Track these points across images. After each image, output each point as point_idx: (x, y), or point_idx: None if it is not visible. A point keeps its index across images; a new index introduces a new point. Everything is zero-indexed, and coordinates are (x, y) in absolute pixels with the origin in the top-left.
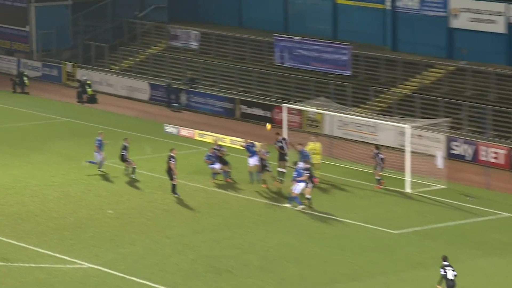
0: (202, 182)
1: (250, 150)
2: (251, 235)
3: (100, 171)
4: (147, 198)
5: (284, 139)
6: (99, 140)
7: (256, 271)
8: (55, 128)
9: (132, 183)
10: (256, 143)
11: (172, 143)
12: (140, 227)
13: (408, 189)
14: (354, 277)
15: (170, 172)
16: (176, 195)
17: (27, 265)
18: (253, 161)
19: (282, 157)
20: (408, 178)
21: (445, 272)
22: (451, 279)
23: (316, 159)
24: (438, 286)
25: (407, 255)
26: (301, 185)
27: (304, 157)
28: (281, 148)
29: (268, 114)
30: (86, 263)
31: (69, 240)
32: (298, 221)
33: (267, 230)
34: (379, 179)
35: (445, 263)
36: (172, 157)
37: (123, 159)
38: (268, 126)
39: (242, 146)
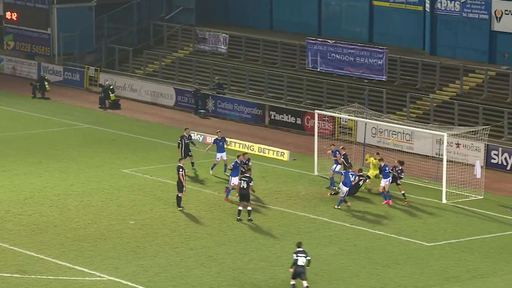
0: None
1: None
2: (279, 247)
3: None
4: (171, 209)
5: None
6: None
7: (283, 285)
8: (76, 135)
9: (155, 193)
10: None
11: (198, 151)
12: (162, 239)
13: (444, 200)
14: None
15: (180, 183)
16: (180, 208)
17: (45, 277)
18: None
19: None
20: (444, 188)
21: (297, 258)
22: (301, 265)
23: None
24: (290, 270)
25: (441, 268)
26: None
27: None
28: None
29: (298, 121)
30: (106, 276)
31: (89, 252)
32: (327, 232)
33: (295, 242)
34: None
35: (299, 249)
36: (181, 167)
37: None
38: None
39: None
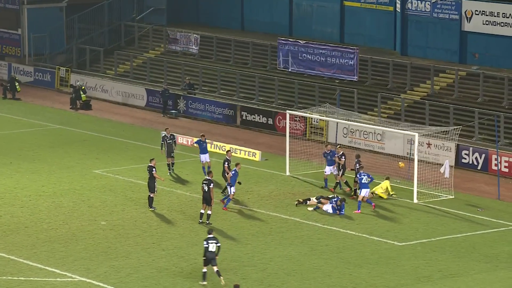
0: (200, 192)
1: (326, 157)
2: (250, 248)
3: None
4: (142, 209)
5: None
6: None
7: (255, 285)
8: (47, 136)
9: (127, 193)
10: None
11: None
12: (134, 239)
13: (415, 200)
14: None
15: (152, 184)
16: (152, 209)
17: (16, 278)
18: (329, 169)
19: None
20: (415, 188)
21: (208, 244)
22: (211, 251)
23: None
24: (203, 258)
25: (413, 268)
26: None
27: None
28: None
29: (270, 121)
30: (77, 276)
31: (60, 253)
32: (299, 232)
33: (267, 242)
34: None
35: (210, 236)
36: (153, 167)
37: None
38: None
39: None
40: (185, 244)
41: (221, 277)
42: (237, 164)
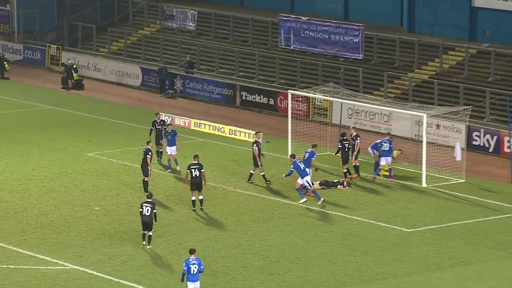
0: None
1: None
2: (251, 234)
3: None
4: (137, 194)
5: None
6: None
7: (256, 273)
8: (37, 117)
9: (121, 177)
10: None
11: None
12: (129, 225)
13: (424, 184)
14: (364, 279)
15: (145, 167)
16: (148, 193)
17: (5, 266)
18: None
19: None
20: (424, 171)
21: (142, 208)
22: (146, 215)
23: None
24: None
25: (422, 255)
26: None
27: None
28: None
29: (271, 101)
30: (69, 265)
31: (52, 240)
32: (302, 218)
33: (269, 228)
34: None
35: (147, 199)
36: (149, 150)
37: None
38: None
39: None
40: (182, 231)
41: (149, 246)
42: (256, 133)
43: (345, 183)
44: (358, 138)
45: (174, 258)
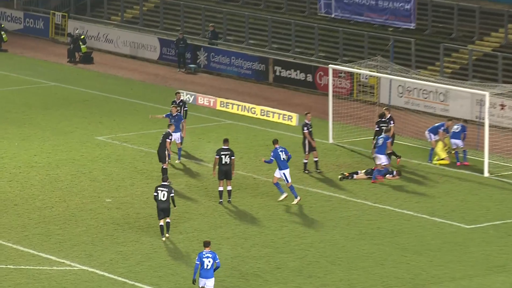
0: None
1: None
2: (286, 231)
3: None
4: (155, 183)
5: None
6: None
7: (292, 276)
8: (40, 95)
9: (136, 164)
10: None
11: (189, 114)
12: (146, 220)
13: (486, 173)
14: (416, 283)
15: (164, 152)
16: (163, 176)
17: (3, 266)
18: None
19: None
20: (486, 159)
21: (157, 192)
22: (162, 200)
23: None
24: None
25: (484, 255)
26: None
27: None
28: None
29: (309, 77)
30: (77, 265)
31: (57, 236)
32: (345, 212)
33: (307, 224)
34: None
35: (163, 183)
36: (170, 134)
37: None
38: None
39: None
40: (207, 226)
41: (168, 234)
42: (306, 114)
43: (394, 172)
44: (392, 122)
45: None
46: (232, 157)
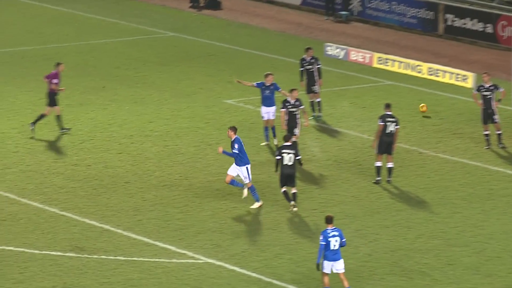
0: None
1: None
2: (459, 218)
3: None
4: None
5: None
6: None
7: (467, 274)
8: (156, 48)
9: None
10: None
11: (338, 73)
12: (284, 204)
13: None
14: None
15: (293, 122)
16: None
17: (112, 257)
18: None
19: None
20: None
21: (280, 156)
22: (289, 165)
23: None
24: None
25: None
26: None
27: None
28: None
29: (489, 28)
30: (202, 257)
31: (177, 221)
32: None
33: (485, 211)
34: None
35: (286, 144)
36: (288, 102)
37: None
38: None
39: None
40: (361, 213)
41: (296, 208)
42: (484, 74)
43: None
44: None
45: (350, 251)
46: (397, 126)
